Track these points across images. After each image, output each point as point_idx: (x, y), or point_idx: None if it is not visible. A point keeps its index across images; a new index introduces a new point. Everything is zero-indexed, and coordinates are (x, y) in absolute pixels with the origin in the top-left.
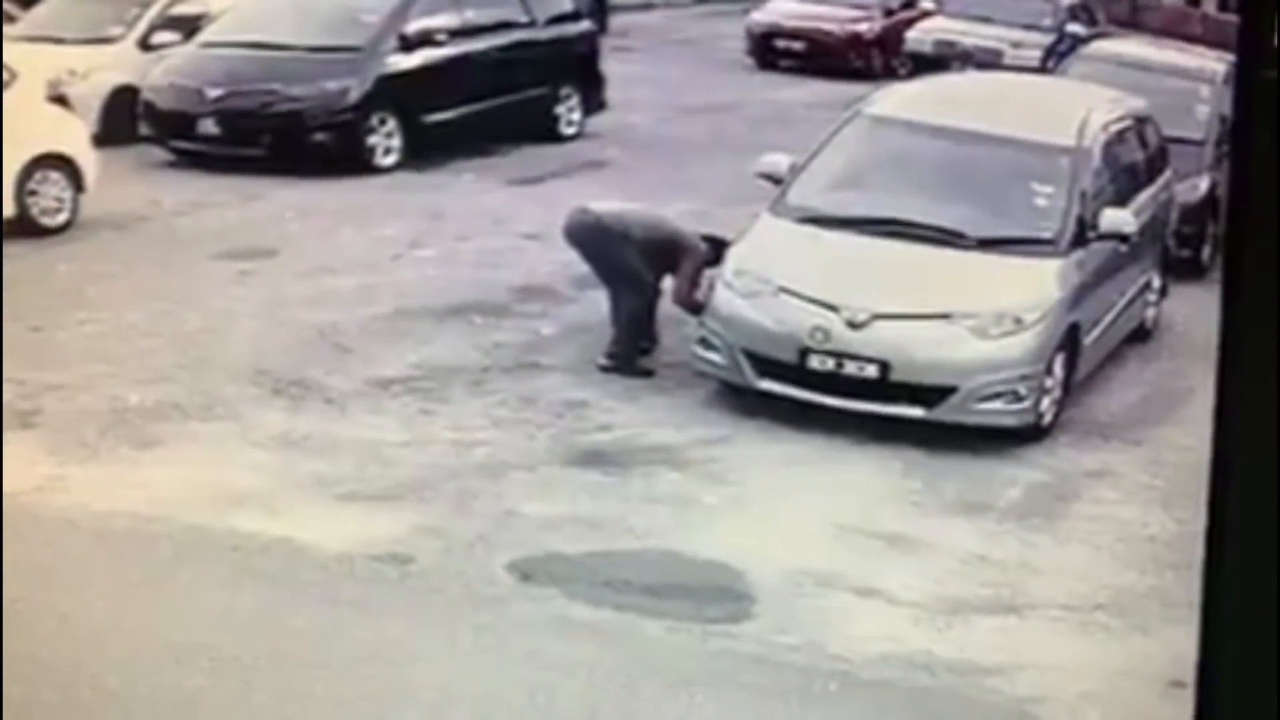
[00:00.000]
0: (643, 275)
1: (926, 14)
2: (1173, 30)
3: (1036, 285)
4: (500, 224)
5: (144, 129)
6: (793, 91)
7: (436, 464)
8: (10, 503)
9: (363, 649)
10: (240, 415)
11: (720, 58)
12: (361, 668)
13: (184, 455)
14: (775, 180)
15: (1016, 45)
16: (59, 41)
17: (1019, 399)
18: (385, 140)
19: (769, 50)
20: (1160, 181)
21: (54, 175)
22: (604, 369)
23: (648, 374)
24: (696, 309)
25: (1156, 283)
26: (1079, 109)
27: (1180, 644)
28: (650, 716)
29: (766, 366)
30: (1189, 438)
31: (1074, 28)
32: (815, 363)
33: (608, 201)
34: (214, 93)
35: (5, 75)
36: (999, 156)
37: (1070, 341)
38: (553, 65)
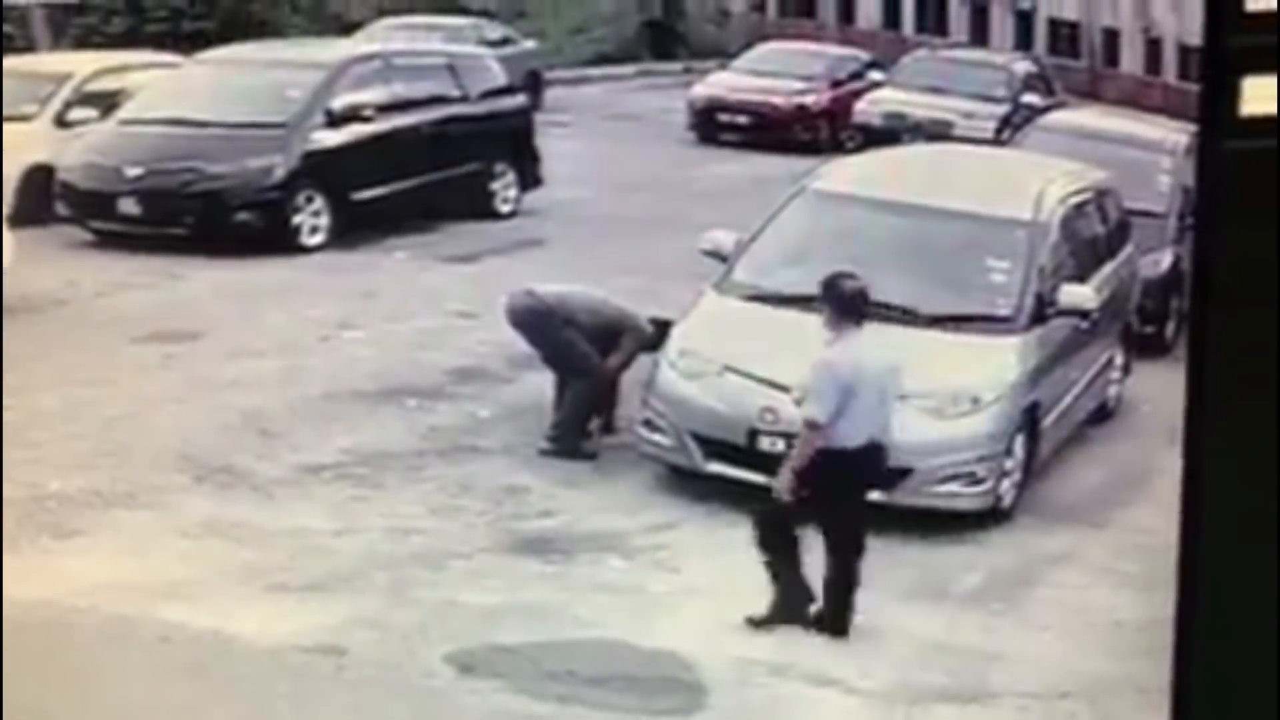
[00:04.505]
0: (588, 358)
1: (875, 85)
2: (1133, 100)
3: (994, 364)
4: (434, 303)
5: (61, 209)
6: (737, 166)
7: (371, 552)
8: None
9: None
10: (165, 503)
11: (661, 132)
12: None
13: (107, 544)
14: (720, 257)
15: (968, 116)
16: None
17: (977, 481)
18: (312, 219)
19: (712, 124)
20: (1122, 256)
21: None
22: (545, 453)
23: (591, 457)
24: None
25: (1119, 360)
26: (1036, 181)
27: None
28: None
29: (714, 449)
30: (1155, 520)
31: (1030, 98)
32: (765, 444)
33: (547, 281)
34: (133, 171)
35: None
36: (952, 231)
37: (1030, 421)
38: (487, 140)
